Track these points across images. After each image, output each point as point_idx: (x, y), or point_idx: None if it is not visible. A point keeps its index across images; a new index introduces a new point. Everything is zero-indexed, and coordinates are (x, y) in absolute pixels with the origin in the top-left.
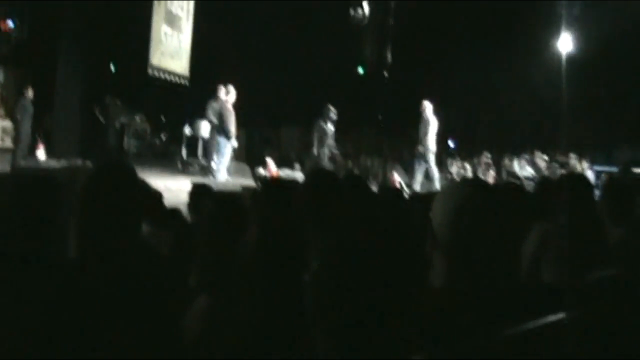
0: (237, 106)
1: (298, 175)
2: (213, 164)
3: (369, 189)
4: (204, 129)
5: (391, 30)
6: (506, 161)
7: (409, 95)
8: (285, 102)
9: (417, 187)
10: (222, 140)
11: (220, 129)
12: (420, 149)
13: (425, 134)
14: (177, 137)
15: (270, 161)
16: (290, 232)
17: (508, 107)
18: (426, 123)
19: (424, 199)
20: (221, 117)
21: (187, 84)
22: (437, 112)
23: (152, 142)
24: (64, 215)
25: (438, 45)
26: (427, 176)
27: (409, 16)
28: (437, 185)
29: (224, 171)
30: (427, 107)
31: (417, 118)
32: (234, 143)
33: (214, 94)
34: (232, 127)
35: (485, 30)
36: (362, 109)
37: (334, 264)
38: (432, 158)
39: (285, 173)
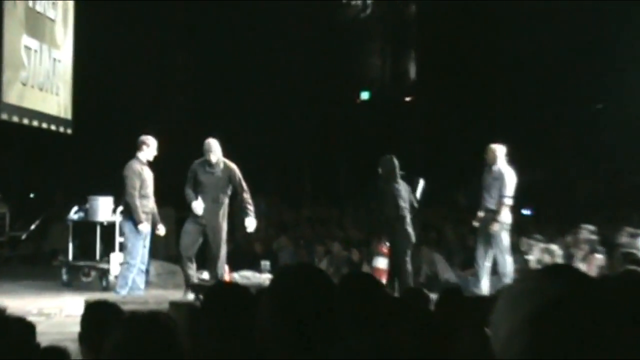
0: (157, 169)
1: (266, 278)
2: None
3: (387, 295)
4: (104, 209)
5: (414, 27)
6: (623, 238)
7: (450, 134)
8: (242, 159)
9: (485, 286)
10: (128, 226)
11: (124, 208)
12: (494, 225)
13: (500, 198)
14: (57, 226)
15: None
16: None
17: (618, 151)
18: (498, 181)
19: (478, 305)
20: (123, 185)
21: (70, 132)
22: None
23: (14, 237)
24: None
25: (490, 52)
26: (494, 268)
27: (441, 10)
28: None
29: (138, 279)
30: (500, 153)
31: (472, 173)
32: (146, 229)
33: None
34: (146, 201)
35: (566, 29)
36: (368, 161)
37: None
38: (506, 239)
39: (245, 276)
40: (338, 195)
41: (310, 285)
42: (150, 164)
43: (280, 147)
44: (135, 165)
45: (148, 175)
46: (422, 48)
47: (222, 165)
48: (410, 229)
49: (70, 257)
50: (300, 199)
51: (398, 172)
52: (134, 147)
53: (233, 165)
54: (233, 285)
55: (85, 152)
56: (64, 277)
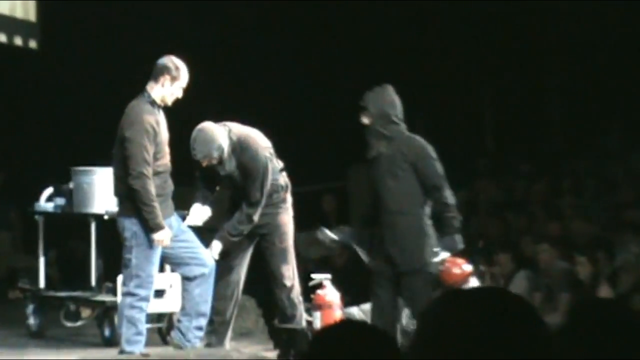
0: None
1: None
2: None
3: None
4: (103, 191)
5: None
6: None
7: None
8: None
9: None
10: (133, 228)
11: (125, 197)
12: None
13: None
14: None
15: (322, 279)
16: None
17: None
18: None
19: None
20: (123, 156)
21: (35, 47)
22: None
23: None
24: None
25: None
26: None
27: None
28: None
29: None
30: None
31: None
32: (165, 237)
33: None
34: (161, 179)
35: None
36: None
37: None
38: None
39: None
40: (547, 157)
41: (500, 326)
42: (168, 109)
43: (442, 72)
44: (146, 115)
45: (164, 132)
46: None
47: (233, 159)
48: (430, 238)
49: (42, 283)
50: (476, 166)
51: (401, 115)
52: (147, 77)
53: (249, 151)
54: (354, 327)
55: (64, 81)
56: (31, 320)
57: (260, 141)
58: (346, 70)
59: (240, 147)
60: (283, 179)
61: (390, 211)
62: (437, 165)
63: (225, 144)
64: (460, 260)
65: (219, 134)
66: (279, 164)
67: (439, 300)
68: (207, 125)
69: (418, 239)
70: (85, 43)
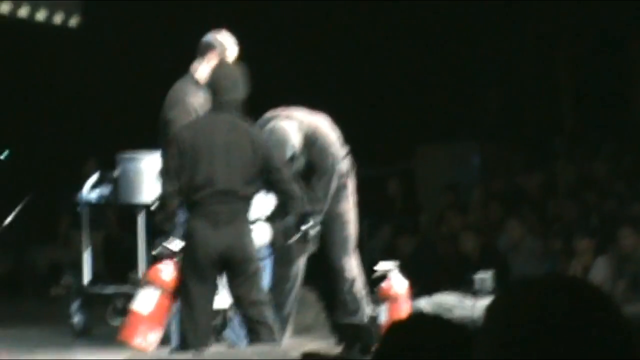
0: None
1: (481, 308)
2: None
3: None
4: (152, 179)
5: None
6: None
7: None
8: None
9: None
10: (182, 225)
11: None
12: None
13: None
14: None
15: (387, 269)
16: None
17: None
18: None
19: None
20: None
21: (75, 25)
22: None
23: None
24: None
25: None
26: None
27: None
28: None
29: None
30: None
31: None
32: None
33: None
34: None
35: None
36: None
37: None
38: None
39: (443, 305)
40: (631, 133)
41: (572, 321)
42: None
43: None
44: (189, 96)
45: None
46: None
47: (303, 155)
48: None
49: (86, 278)
50: (553, 144)
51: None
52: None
53: (318, 147)
54: (426, 321)
55: (107, 62)
56: (76, 318)
57: (329, 133)
58: (411, 49)
59: (310, 141)
60: (345, 164)
61: None
62: None
63: (297, 142)
64: (164, 266)
65: (291, 132)
66: (343, 150)
67: (507, 292)
68: (279, 126)
69: None
70: (131, 21)
